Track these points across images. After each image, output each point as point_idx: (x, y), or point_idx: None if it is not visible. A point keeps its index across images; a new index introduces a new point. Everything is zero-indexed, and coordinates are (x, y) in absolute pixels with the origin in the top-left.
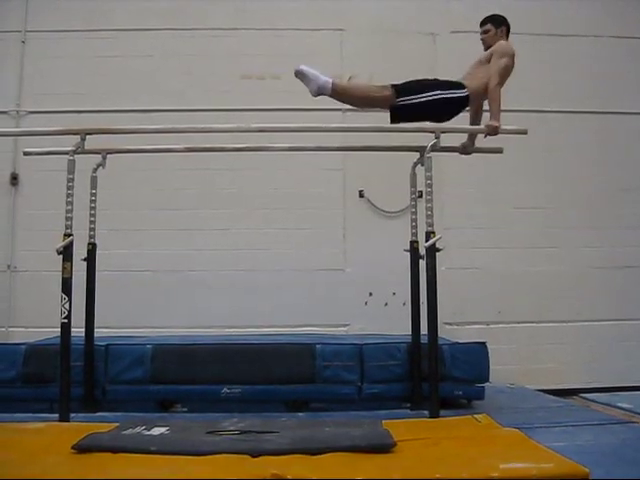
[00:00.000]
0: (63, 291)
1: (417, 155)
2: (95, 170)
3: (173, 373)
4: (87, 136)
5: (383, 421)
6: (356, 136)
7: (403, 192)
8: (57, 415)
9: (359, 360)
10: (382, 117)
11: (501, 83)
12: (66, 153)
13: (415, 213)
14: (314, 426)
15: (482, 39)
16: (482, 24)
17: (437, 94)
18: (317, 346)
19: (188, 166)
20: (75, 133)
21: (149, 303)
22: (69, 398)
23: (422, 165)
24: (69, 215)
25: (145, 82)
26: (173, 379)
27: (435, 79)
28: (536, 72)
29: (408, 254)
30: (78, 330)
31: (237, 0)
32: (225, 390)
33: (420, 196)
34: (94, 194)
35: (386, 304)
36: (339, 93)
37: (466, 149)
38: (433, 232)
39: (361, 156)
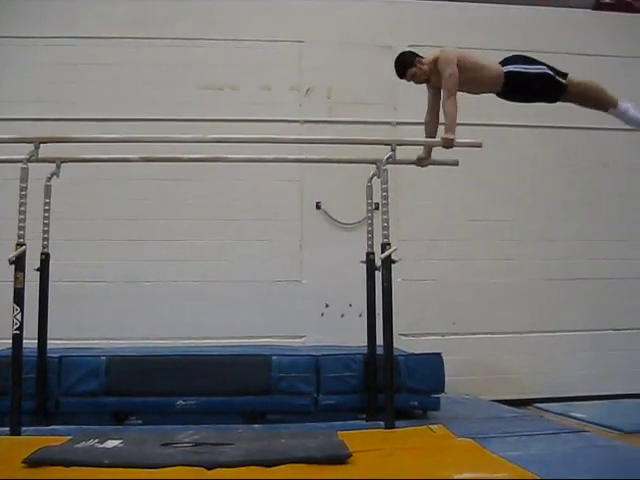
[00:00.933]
0: (15, 302)
1: (374, 167)
2: (49, 179)
3: (128, 385)
4: (45, 144)
5: (338, 432)
6: (313, 148)
7: (360, 204)
8: (8, 429)
9: (315, 371)
10: (339, 129)
11: (454, 94)
12: (19, 161)
13: (371, 225)
14: (269, 438)
15: (422, 82)
16: (402, 77)
17: (543, 68)
18: (273, 357)
19: (145, 176)
20: (29, 141)
21: (104, 314)
22: (20, 411)
23: (378, 177)
24: (22, 225)
25: (106, 91)
26: (128, 391)
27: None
28: None
29: (364, 266)
30: (31, 342)
31: (197, 11)
32: (180, 402)
33: (376, 208)
34: (48, 203)
35: (342, 315)
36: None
37: (422, 161)
38: (389, 244)
39: (318, 168)
